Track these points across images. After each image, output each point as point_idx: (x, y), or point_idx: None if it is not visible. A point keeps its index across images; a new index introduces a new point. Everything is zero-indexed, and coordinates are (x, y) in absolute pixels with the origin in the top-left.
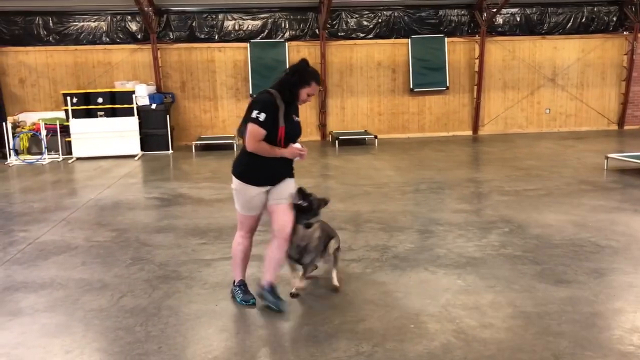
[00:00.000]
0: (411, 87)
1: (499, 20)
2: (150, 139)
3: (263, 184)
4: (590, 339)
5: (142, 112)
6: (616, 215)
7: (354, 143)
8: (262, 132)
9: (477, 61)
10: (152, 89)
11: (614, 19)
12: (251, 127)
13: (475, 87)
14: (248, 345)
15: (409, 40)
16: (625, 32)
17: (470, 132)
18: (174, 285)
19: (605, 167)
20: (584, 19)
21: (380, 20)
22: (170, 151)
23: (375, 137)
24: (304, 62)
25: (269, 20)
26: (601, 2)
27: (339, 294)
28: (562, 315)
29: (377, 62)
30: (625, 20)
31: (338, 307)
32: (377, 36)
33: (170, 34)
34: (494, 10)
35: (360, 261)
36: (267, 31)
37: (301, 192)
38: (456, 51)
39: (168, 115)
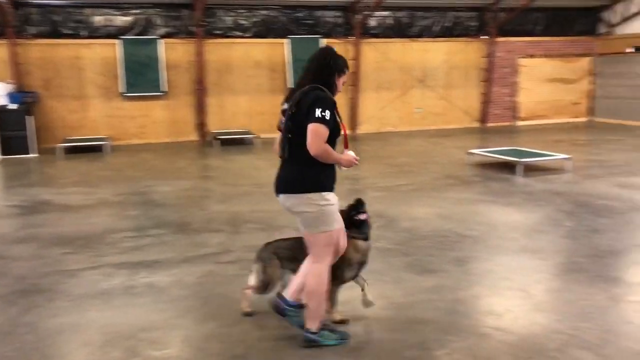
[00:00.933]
0: (290, 86)
1: (372, 23)
2: (10, 141)
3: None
4: (452, 324)
5: (0, 112)
6: (477, 206)
7: (236, 143)
8: (327, 132)
9: (352, 62)
10: (11, 87)
11: (475, 24)
12: (317, 127)
13: (351, 88)
14: (112, 357)
15: (287, 40)
16: (484, 37)
17: (349, 131)
18: (33, 299)
19: (469, 162)
20: (448, 24)
21: (257, 20)
22: (34, 154)
23: (257, 136)
24: (332, 48)
25: (141, 17)
26: (463, 8)
27: (213, 297)
28: (428, 304)
29: (255, 62)
30: (484, 26)
31: (215, 310)
32: (255, 35)
33: (31, 28)
34: (367, 13)
35: (237, 263)
36: (139, 28)
37: (361, 203)
38: None
39: (30, 116)
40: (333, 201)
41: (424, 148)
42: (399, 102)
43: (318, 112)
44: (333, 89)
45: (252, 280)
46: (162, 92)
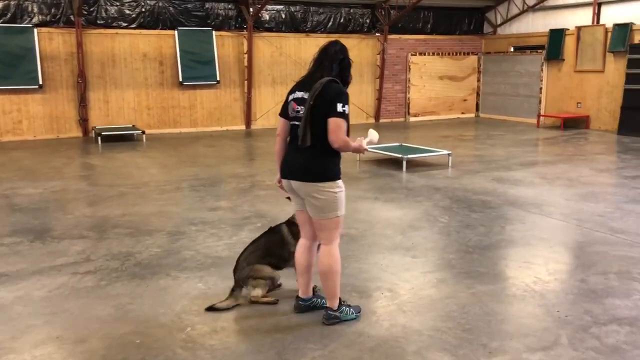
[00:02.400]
0: (180, 80)
1: (266, 16)
2: None
3: None
4: (314, 331)
5: None
6: (360, 203)
7: (121, 139)
8: (346, 126)
9: (246, 56)
10: None
11: (368, 21)
12: (339, 122)
13: (246, 82)
14: None
15: (176, 32)
16: (377, 34)
17: (243, 127)
18: None
19: (358, 159)
20: (342, 20)
21: (144, 10)
22: None
23: (143, 132)
24: (340, 42)
25: (12, 3)
26: (356, 5)
27: (59, 313)
28: (291, 310)
29: (142, 54)
30: (377, 23)
31: (59, 329)
32: (141, 26)
33: None
34: (259, 5)
35: (96, 273)
36: (9, 14)
37: None
38: (225, 45)
39: None
40: (343, 187)
41: None
42: None
43: (340, 107)
44: (347, 83)
45: (259, 292)
46: (38, 85)
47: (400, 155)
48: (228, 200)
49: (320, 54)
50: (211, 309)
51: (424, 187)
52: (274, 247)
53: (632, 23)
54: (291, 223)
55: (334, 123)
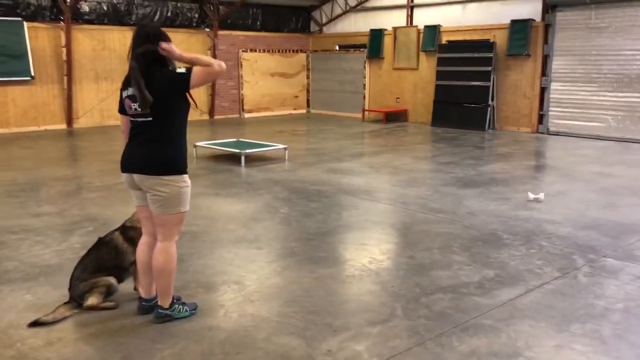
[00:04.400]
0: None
1: (85, 7)
2: None
3: None
4: (163, 330)
5: None
6: (199, 200)
7: None
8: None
9: (64, 50)
10: None
11: (196, 15)
12: (195, 74)
13: (65, 78)
14: None
15: None
16: (207, 29)
17: (64, 126)
18: None
19: (195, 155)
20: (169, 13)
21: None
22: None
23: None
24: (147, 24)
25: None
26: None
27: None
28: (136, 313)
29: None
30: (206, 18)
31: None
32: None
33: None
34: None
35: None
36: None
37: None
38: (39, 38)
39: None
40: (189, 183)
41: None
42: None
43: (183, 76)
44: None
45: (95, 300)
46: None
47: (238, 151)
48: (53, 205)
49: (134, 44)
50: (36, 323)
51: (264, 181)
52: (107, 259)
53: (440, 25)
54: (126, 228)
55: (196, 75)
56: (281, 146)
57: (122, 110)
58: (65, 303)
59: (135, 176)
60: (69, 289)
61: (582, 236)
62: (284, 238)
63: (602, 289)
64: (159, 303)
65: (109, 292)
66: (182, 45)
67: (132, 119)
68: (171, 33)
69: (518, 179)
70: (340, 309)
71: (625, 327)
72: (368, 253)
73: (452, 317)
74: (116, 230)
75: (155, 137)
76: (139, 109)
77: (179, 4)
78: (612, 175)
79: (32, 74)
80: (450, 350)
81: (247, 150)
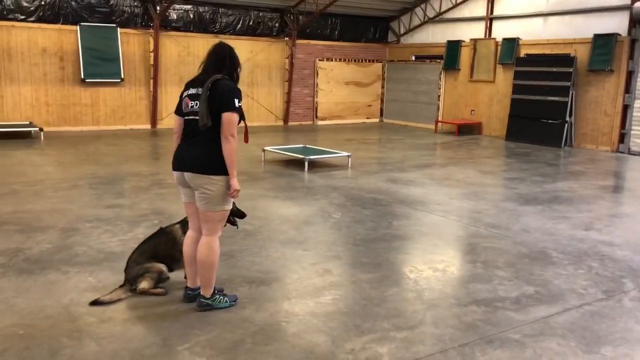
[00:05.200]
0: (82, 77)
1: (174, 15)
2: None
3: None
4: (199, 318)
5: None
6: (259, 201)
7: (17, 136)
8: (237, 120)
9: (152, 54)
10: None
11: (277, 24)
12: (232, 116)
13: (152, 81)
14: None
15: (78, 27)
16: (286, 38)
17: (149, 126)
18: None
19: (263, 159)
20: (251, 22)
21: (43, 3)
22: None
23: (41, 129)
24: (227, 44)
25: None
26: (265, 8)
27: None
28: (181, 300)
29: (41, 49)
30: (285, 27)
31: None
32: (41, 20)
33: None
34: (166, 4)
35: None
36: None
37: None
38: (130, 43)
39: None
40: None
41: None
42: None
43: (232, 102)
44: (236, 80)
45: (147, 284)
46: None
47: (302, 156)
48: (126, 198)
49: (209, 55)
50: (96, 302)
51: (323, 187)
52: (164, 248)
53: (519, 38)
54: (186, 223)
55: (226, 118)
56: (345, 154)
57: (178, 111)
58: (120, 286)
59: (186, 174)
60: (125, 270)
61: (639, 260)
62: (331, 242)
63: None
64: (201, 293)
65: (159, 278)
66: (263, 53)
67: (186, 117)
68: (252, 41)
69: (584, 198)
70: (372, 312)
71: None
72: (410, 262)
73: (481, 329)
74: (177, 223)
75: (207, 139)
76: (195, 108)
77: (261, 13)
78: None
79: (122, 76)
80: None
81: (311, 156)
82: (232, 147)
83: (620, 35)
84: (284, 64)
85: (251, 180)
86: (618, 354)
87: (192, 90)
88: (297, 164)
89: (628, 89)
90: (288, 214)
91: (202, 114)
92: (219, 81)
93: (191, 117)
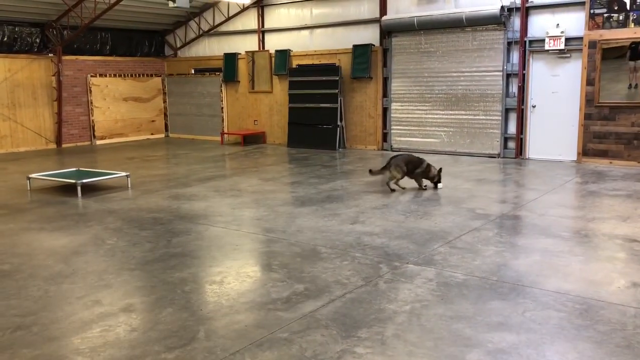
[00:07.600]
0: None
1: None
2: None
3: None
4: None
5: None
6: (19, 237)
7: None
8: None
9: None
10: None
11: (38, 40)
12: None
13: None
14: None
15: None
16: (50, 54)
17: None
18: None
19: (29, 188)
20: (6, 38)
21: None
22: None
23: None
24: None
25: None
26: (22, 23)
27: None
28: None
29: None
30: (48, 43)
31: None
32: None
33: None
34: None
35: None
36: None
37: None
38: None
39: None
40: None
41: None
42: None
43: None
44: None
45: (397, 174)
46: None
47: (74, 181)
48: None
49: None
50: (370, 172)
51: (98, 212)
52: (416, 164)
53: (290, 50)
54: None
55: None
56: (123, 174)
57: None
58: (382, 168)
59: None
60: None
61: (394, 245)
62: (103, 270)
63: (396, 293)
64: None
65: (402, 177)
66: (24, 71)
67: None
68: (9, 59)
69: (352, 195)
70: (144, 337)
71: (406, 327)
72: (187, 279)
73: (251, 334)
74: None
75: None
76: None
77: (17, 28)
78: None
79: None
80: None
81: (85, 180)
82: None
83: (374, 45)
84: (50, 82)
85: (12, 213)
86: (372, 333)
87: None
88: (70, 189)
89: (385, 93)
90: (55, 245)
91: None
92: None
93: None
